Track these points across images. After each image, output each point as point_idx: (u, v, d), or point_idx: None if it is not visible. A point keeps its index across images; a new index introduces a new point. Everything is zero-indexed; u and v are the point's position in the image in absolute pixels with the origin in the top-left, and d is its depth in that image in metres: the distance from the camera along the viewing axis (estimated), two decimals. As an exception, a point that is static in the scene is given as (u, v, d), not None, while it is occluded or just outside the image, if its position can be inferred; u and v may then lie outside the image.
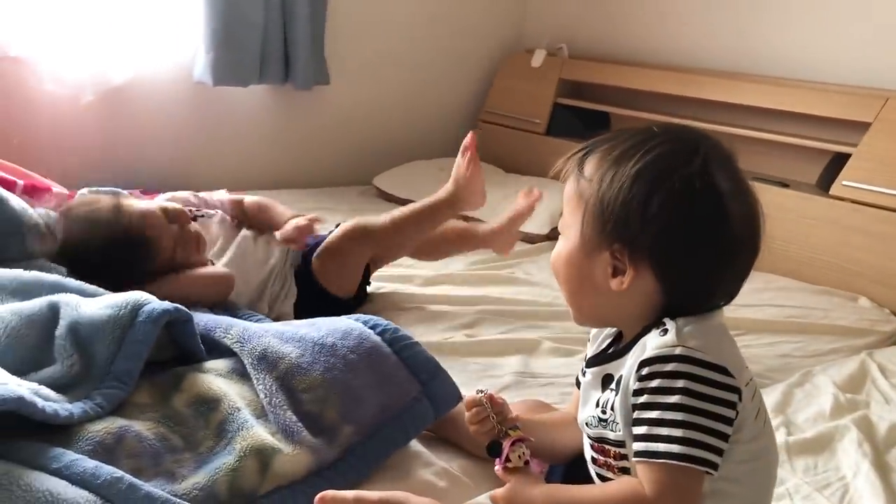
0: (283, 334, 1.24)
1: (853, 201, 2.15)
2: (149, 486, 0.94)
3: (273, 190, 2.68)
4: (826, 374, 1.60)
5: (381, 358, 1.21)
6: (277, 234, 1.73)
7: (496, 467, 0.97)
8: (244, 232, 1.74)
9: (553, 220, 2.50)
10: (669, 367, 0.83)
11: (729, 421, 0.84)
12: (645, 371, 0.85)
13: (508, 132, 3.15)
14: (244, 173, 2.78)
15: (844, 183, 2.19)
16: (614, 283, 0.90)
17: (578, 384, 1.04)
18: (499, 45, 3.32)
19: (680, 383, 0.83)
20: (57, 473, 0.92)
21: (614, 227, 0.88)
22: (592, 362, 0.97)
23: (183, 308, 1.17)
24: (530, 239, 2.48)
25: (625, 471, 0.91)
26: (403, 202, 2.72)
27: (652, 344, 0.86)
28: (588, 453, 0.97)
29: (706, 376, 0.83)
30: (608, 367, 0.93)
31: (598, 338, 1.02)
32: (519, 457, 0.95)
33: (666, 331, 0.87)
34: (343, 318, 1.31)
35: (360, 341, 1.22)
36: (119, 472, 0.93)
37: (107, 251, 1.46)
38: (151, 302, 1.14)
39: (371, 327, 1.26)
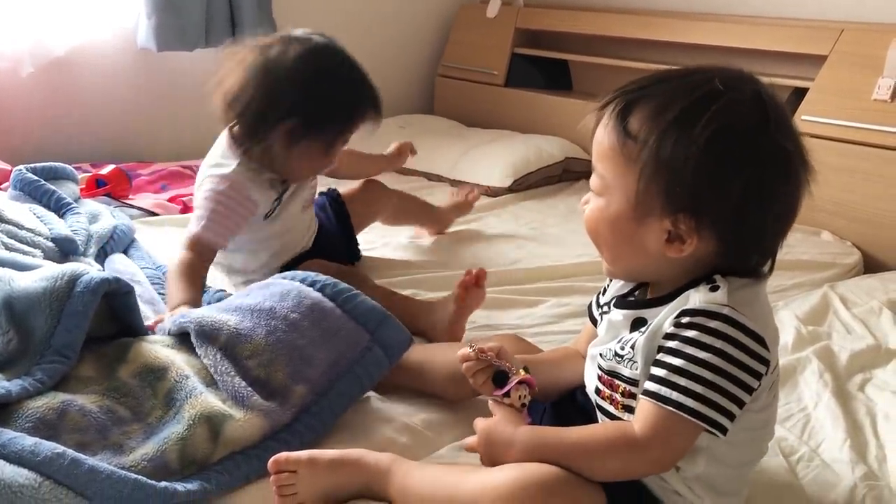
0: (219, 307, 1.20)
1: (813, 135, 2.13)
2: (93, 461, 0.91)
3: (229, 157, 2.63)
4: (789, 309, 1.60)
5: (325, 313, 1.18)
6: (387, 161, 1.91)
7: (494, 395, 0.97)
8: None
9: (515, 173, 2.47)
10: (712, 324, 0.82)
11: (750, 390, 0.84)
12: (685, 320, 0.84)
13: (467, 85, 3.10)
14: (195, 140, 2.69)
15: (804, 118, 2.17)
16: (671, 249, 0.87)
17: (592, 319, 1.04)
18: (453, -3, 3.26)
19: (717, 343, 0.82)
20: (-7, 453, 0.88)
21: (681, 195, 0.84)
22: (624, 304, 0.95)
23: (122, 279, 1.13)
24: (493, 192, 2.45)
25: (628, 409, 0.91)
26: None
27: (699, 297, 0.85)
28: (592, 383, 0.97)
29: (744, 342, 0.82)
30: (642, 312, 0.92)
31: None
32: (519, 397, 0.95)
33: (717, 287, 0.85)
34: (277, 280, 1.26)
35: (299, 300, 1.18)
36: (60, 448, 0.90)
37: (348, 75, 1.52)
38: (88, 272, 1.10)
39: (310, 284, 1.22)
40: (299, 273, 1.26)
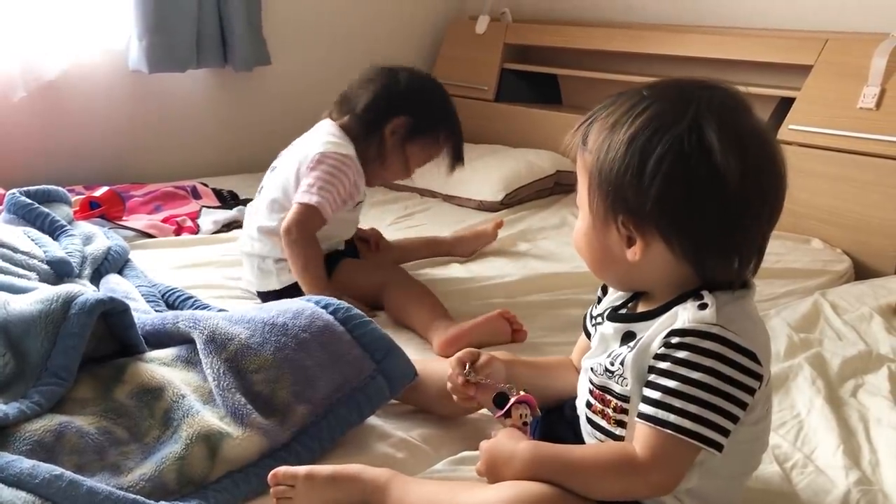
0: (231, 317, 1.21)
1: (800, 144, 2.16)
2: (91, 482, 0.92)
3: (222, 176, 2.64)
4: (780, 317, 1.61)
5: (334, 337, 1.19)
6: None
7: (496, 417, 0.99)
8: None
9: (507, 187, 2.49)
10: (703, 344, 0.83)
11: (744, 405, 0.84)
12: (675, 340, 0.84)
13: (457, 101, 3.03)
14: (189, 161, 2.72)
15: (791, 127, 2.20)
16: (629, 253, 0.88)
17: (587, 332, 1.04)
18: (442, 14, 3.28)
19: (708, 362, 0.82)
20: (-8, 476, 0.89)
21: (615, 198, 0.86)
22: (616, 317, 0.96)
23: (118, 298, 1.14)
24: (486, 207, 2.47)
25: (621, 424, 0.91)
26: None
27: (688, 316, 0.85)
28: (584, 397, 0.97)
29: (735, 360, 0.83)
30: (632, 326, 0.93)
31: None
32: (520, 416, 0.97)
33: (704, 305, 0.85)
34: (294, 299, 1.29)
35: (311, 320, 1.19)
36: (58, 470, 0.91)
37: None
38: (84, 293, 1.11)
39: (323, 307, 1.24)
40: (315, 296, 1.28)
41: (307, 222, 1.57)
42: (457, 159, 1.77)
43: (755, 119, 0.88)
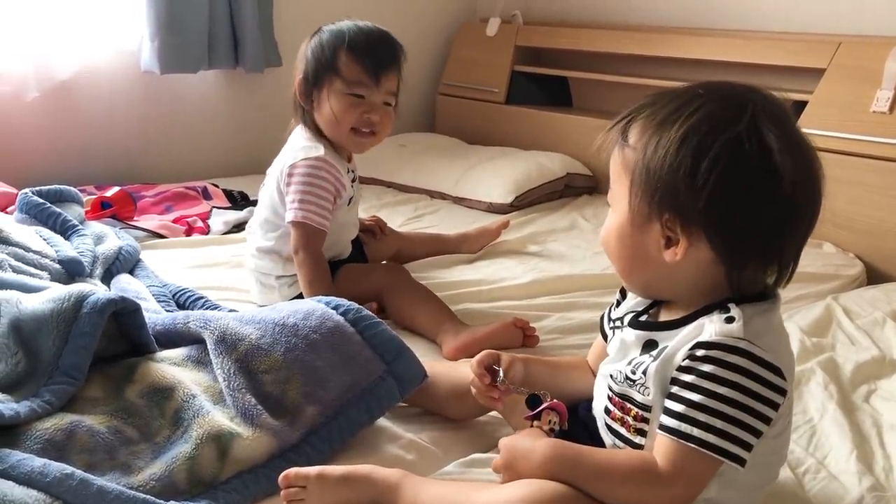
0: (242, 317, 1.21)
1: (813, 148, 2.15)
2: (102, 481, 0.92)
3: (233, 177, 2.65)
4: (792, 321, 1.60)
5: (345, 338, 1.19)
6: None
7: (524, 417, 0.99)
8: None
9: (517, 189, 2.48)
10: (729, 358, 0.82)
11: (768, 420, 0.84)
12: (700, 353, 0.83)
13: (468, 103, 3.12)
14: (200, 162, 2.73)
15: (803, 130, 2.18)
16: (668, 254, 0.87)
17: (604, 334, 1.04)
18: (453, 16, 3.28)
19: (734, 377, 0.82)
20: (3, 475, 0.89)
21: (663, 196, 0.85)
22: (637, 324, 0.95)
23: (129, 298, 1.14)
24: (496, 209, 2.46)
25: (641, 432, 0.91)
26: (366, 181, 2.71)
27: (714, 328, 0.84)
28: (602, 402, 0.97)
29: (761, 375, 0.82)
30: (654, 335, 0.92)
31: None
32: (549, 422, 0.97)
33: (731, 318, 0.85)
34: (305, 300, 1.29)
35: (322, 321, 1.19)
36: (69, 469, 0.91)
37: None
38: (95, 293, 1.11)
39: (333, 308, 1.24)
40: (325, 297, 1.27)
41: (306, 240, 1.55)
42: (370, 72, 1.59)
43: (798, 126, 0.88)
